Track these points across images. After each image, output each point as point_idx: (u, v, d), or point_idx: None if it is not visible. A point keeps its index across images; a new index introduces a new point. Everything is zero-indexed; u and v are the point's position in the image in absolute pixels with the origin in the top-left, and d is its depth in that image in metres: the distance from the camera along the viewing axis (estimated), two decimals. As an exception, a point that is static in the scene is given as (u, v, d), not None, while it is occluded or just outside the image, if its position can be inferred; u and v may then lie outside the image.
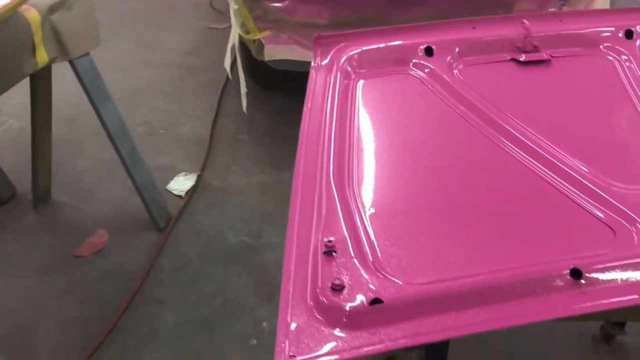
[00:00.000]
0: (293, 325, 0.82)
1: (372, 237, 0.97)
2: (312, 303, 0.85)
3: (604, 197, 1.03)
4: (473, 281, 0.87)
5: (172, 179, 2.98)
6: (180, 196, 2.86)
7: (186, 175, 2.99)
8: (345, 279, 0.86)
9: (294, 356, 0.77)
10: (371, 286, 0.84)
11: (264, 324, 2.16)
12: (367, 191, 1.09)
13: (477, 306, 0.83)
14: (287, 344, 0.79)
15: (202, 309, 2.24)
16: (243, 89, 2.88)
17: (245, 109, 2.94)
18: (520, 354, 1.99)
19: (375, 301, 0.82)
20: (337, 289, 0.84)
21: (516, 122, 1.23)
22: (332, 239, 0.92)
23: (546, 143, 1.17)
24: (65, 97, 3.27)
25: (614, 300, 0.85)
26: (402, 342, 0.79)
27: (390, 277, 0.88)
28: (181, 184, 2.93)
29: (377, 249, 0.94)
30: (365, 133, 1.26)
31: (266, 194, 2.86)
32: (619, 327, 1.98)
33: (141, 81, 3.97)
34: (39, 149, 2.65)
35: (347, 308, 0.82)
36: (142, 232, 2.63)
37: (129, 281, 2.36)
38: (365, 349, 0.78)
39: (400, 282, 0.86)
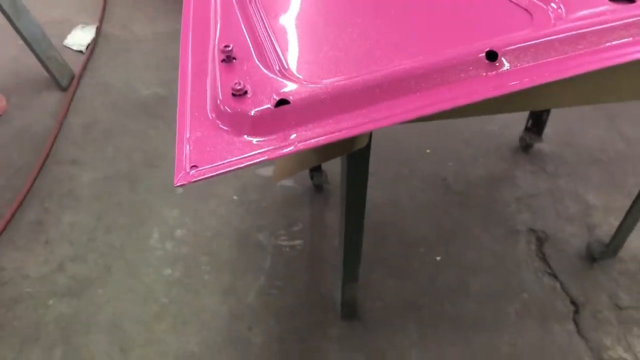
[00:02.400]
0: (194, 138, 0.74)
1: (274, 41, 0.87)
2: (213, 115, 0.77)
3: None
4: (385, 73, 0.80)
5: (69, 33, 2.71)
6: (80, 51, 2.62)
7: (84, 27, 2.72)
8: (248, 84, 0.77)
9: (196, 166, 0.71)
10: (275, 88, 0.77)
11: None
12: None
13: (391, 99, 0.78)
14: (187, 155, 0.72)
15: (120, 164, 2.15)
16: None
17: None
18: (444, 172, 2.04)
19: (281, 102, 0.75)
20: (239, 94, 0.75)
21: None
22: (230, 45, 0.82)
23: None
24: None
25: (529, 80, 0.82)
26: (313, 142, 0.73)
27: (294, 78, 0.80)
28: (79, 38, 2.67)
29: (280, 53, 0.85)
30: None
31: (175, 40, 2.65)
32: (537, 136, 2.05)
33: None
34: None
35: (252, 113, 0.75)
36: (44, 93, 2.43)
37: (38, 144, 2.21)
38: (276, 152, 0.72)
39: (305, 82, 0.79)
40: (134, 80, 2.48)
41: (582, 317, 1.65)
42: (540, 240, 1.84)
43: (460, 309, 1.68)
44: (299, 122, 0.75)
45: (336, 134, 0.74)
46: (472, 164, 2.07)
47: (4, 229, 1.93)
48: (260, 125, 0.74)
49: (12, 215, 1.97)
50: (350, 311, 1.62)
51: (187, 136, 0.75)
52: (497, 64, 0.82)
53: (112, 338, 1.65)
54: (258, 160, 0.71)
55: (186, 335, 1.65)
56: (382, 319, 1.67)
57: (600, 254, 1.73)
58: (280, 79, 0.79)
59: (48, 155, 2.16)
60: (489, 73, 0.81)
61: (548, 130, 2.11)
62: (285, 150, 0.72)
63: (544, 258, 1.79)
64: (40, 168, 2.11)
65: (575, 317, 1.65)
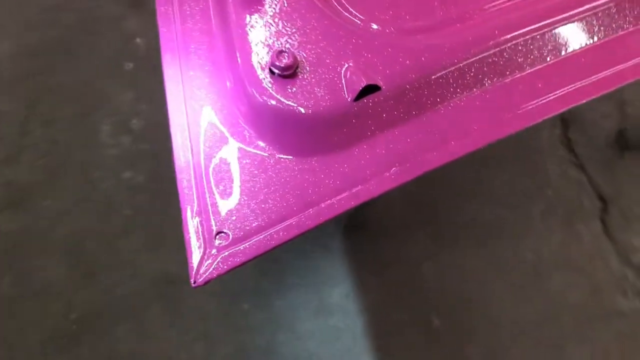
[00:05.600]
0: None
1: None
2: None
3: None
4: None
5: None
6: None
7: None
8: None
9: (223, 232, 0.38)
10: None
11: (138, 40, 1.67)
12: None
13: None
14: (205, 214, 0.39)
15: (49, 30, 1.68)
16: None
17: None
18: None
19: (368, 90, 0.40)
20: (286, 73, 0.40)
21: None
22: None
23: None
24: None
25: None
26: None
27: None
28: None
29: None
30: None
31: None
32: None
33: None
34: None
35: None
36: None
37: None
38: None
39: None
40: None
41: (610, 215, 1.47)
42: (566, 121, 1.58)
43: (480, 212, 1.46)
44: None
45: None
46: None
47: None
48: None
49: None
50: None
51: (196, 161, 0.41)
52: None
53: (71, 260, 1.38)
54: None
55: (163, 253, 1.39)
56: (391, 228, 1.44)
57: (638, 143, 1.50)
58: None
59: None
60: None
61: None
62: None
63: (569, 144, 1.56)
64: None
65: (603, 215, 1.47)
